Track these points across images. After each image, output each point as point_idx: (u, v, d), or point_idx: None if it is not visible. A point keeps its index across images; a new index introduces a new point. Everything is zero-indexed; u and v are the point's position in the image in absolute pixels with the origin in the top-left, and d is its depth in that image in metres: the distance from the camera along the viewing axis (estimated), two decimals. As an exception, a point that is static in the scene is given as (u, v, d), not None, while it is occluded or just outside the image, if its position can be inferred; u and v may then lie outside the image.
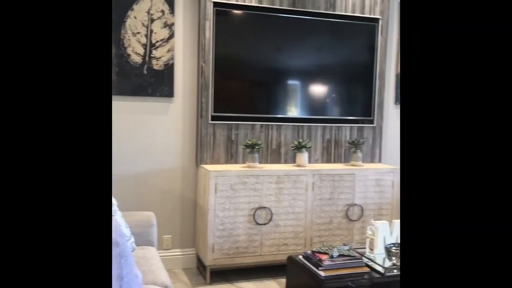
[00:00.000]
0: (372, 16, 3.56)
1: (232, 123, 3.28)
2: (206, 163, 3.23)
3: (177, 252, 3.32)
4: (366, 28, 3.56)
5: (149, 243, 2.52)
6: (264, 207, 3.09)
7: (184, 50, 3.23)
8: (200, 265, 3.25)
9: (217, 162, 3.26)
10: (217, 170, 3.00)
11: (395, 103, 3.81)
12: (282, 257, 3.07)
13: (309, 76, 3.46)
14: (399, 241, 2.55)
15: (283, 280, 3.03)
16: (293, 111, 3.46)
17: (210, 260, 3.01)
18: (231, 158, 3.30)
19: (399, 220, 2.63)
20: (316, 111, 3.50)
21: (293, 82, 3.45)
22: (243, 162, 3.31)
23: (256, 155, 3.17)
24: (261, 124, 3.36)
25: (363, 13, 3.54)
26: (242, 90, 3.33)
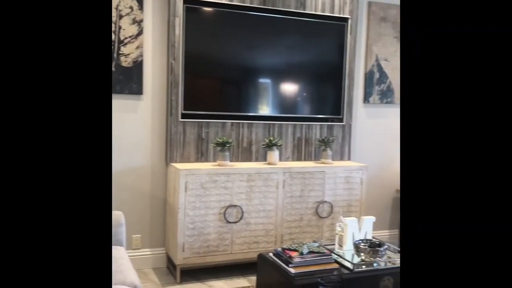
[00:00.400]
0: (341, 15, 3.61)
1: (202, 121, 3.26)
2: (176, 162, 3.20)
3: (146, 251, 3.28)
4: (336, 28, 3.60)
5: (118, 243, 2.47)
6: (235, 206, 3.08)
7: (154, 47, 3.18)
8: (170, 264, 3.22)
9: (187, 160, 3.24)
10: (187, 169, 2.97)
11: (364, 102, 3.88)
12: (253, 255, 3.08)
13: (280, 74, 3.47)
14: (367, 237, 2.60)
15: (253, 278, 3.03)
16: (264, 109, 3.46)
17: (180, 259, 2.98)
18: (201, 156, 3.28)
19: (367, 217, 2.68)
20: (287, 110, 3.52)
21: (264, 81, 3.46)
22: (214, 161, 3.29)
23: (227, 153, 3.16)
24: (232, 122, 3.35)
25: (333, 13, 3.58)
26: (213, 88, 3.32)
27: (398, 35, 3.92)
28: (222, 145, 3.14)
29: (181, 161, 3.22)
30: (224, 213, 3.06)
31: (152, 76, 3.20)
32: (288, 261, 2.31)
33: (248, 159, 3.42)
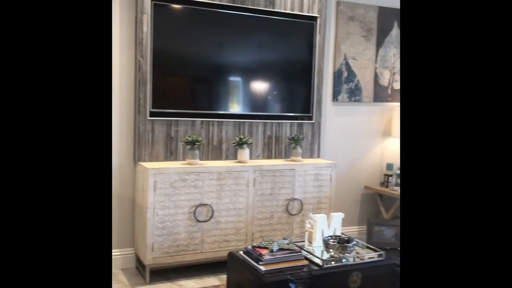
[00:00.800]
0: (310, 14, 3.63)
1: (171, 120, 3.22)
2: (144, 161, 3.15)
3: (115, 252, 3.21)
4: (305, 26, 3.63)
5: (84, 245, 2.41)
6: (205, 204, 3.07)
7: (121, 44, 3.12)
8: (140, 264, 3.17)
9: (156, 159, 3.19)
10: (156, 168, 2.93)
11: (333, 100, 3.92)
12: (223, 254, 3.07)
13: (250, 73, 3.47)
14: (336, 233, 2.63)
15: (224, 277, 3.02)
16: (235, 108, 3.46)
17: (150, 259, 2.94)
18: (170, 155, 3.24)
19: (336, 213, 2.71)
20: (257, 108, 3.52)
21: (234, 79, 3.45)
22: (183, 159, 3.26)
23: (197, 151, 3.14)
24: (201, 121, 3.33)
25: (302, 11, 3.61)
26: (182, 86, 3.28)
27: (366, 34, 3.99)
28: (192, 143, 3.11)
29: (150, 160, 3.17)
30: (194, 212, 3.03)
31: (120, 73, 3.13)
32: (258, 258, 2.31)
33: (218, 157, 3.40)
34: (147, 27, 3.08)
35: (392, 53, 4.13)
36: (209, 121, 3.35)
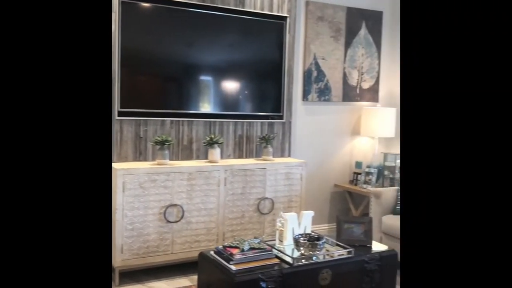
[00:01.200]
0: (280, 14, 3.65)
1: (140, 119, 3.18)
2: (113, 161, 3.09)
3: (83, 255, 3.14)
4: (275, 26, 3.64)
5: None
6: (176, 205, 3.04)
7: (87, 42, 3.05)
8: (109, 267, 3.11)
9: (124, 159, 3.14)
10: (124, 168, 2.88)
11: (303, 100, 3.96)
12: (194, 254, 3.05)
13: (221, 72, 3.46)
14: (307, 231, 2.66)
15: (195, 277, 3.01)
16: (205, 107, 3.44)
17: (119, 261, 2.89)
18: (139, 155, 3.20)
19: (307, 211, 2.74)
20: (228, 107, 3.52)
21: (205, 78, 3.43)
22: (153, 159, 3.22)
23: (166, 151, 3.10)
24: (171, 120, 3.30)
25: (272, 11, 3.62)
26: (152, 85, 3.24)
27: (335, 34, 4.04)
28: (161, 143, 3.08)
29: (119, 161, 3.12)
30: (164, 213, 3.00)
31: (86, 72, 3.06)
32: (229, 258, 2.31)
33: (189, 157, 3.38)
34: (115, 25, 3.02)
35: (360, 53, 4.20)
36: (179, 120, 3.32)
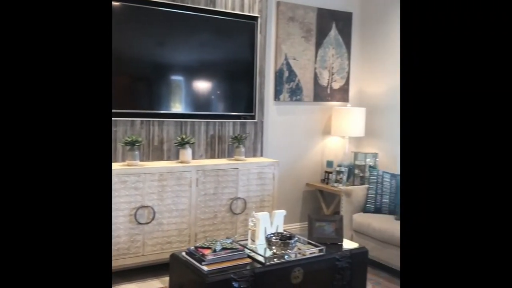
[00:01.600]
0: (251, 14, 3.66)
1: (110, 120, 3.12)
2: (81, 162, 3.02)
3: (50, 259, 3.06)
4: (246, 26, 3.65)
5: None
6: (146, 206, 3.00)
7: (54, 40, 2.97)
8: (78, 271, 3.04)
9: (94, 161, 3.07)
10: (94, 169, 2.82)
11: (274, 100, 3.98)
12: (166, 256, 3.02)
13: (192, 72, 3.44)
14: (279, 231, 2.67)
15: (167, 279, 2.98)
16: (177, 107, 3.41)
17: (88, 265, 2.83)
18: (109, 156, 3.14)
19: (279, 211, 2.75)
20: (200, 107, 3.50)
21: (176, 78, 3.40)
22: (123, 160, 3.17)
23: (137, 152, 3.06)
24: (141, 120, 3.25)
25: (243, 11, 3.63)
26: (121, 85, 3.19)
27: (306, 35, 4.08)
28: (131, 144, 3.03)
29: (87, 162, 3.05)
30: (135, 214, 2.96)
31: (53, 71, 2.99)
32: (201, 259, 2.30)
33: (160, 158, 3.34)
34: (82, 23, 2.95)
35: (331, 54, 4.25)
36: (149, 120, 3.28)
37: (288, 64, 4.00)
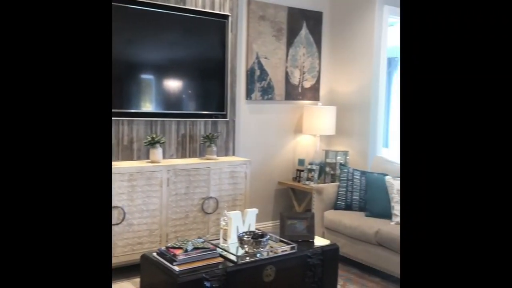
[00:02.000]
0: (222, 12, 3.65)
1: (77, 119, 3.05)
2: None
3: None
4: (217, 25, 3.63)
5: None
6: (116, 207, 2.95)
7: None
8: (45, 275, 2.96)
9: (61, 161, 3.00)
10: (61, 170, 2.76)
11: (246, 99, 3.98)
12: (137, 257, 2.97)
13: (163, 70, 3.40)
14: (251, 229, 2.67)
15: (138, 280, 2.93)
16: (147, 106, 3.36)
17: (56, 268, 2.76)
18: (77, 156, 3.07)
19: (251, 209, 2.76)
20: (170, 106, 3.46)
21: (146, 76, 3.35)
22: (92, 160, 3.10)
23: (106, 152, 3.00)
24: (110, 120, 3.19)
25: (213, 9, 3.61)
26: (89, 84, 3.11)
27: (277, 34, 4.09)
28: (100, 143, 2.97)
29: (54, 162, 2.97)
30: (105, 215, 2.90)
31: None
32: (172, 259, 2.27)
33: (129, 157, 3.29)
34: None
35: (302, 53, 4.28)
36: (118, 120, 3.22)
37: (259, 63, 4.01)
